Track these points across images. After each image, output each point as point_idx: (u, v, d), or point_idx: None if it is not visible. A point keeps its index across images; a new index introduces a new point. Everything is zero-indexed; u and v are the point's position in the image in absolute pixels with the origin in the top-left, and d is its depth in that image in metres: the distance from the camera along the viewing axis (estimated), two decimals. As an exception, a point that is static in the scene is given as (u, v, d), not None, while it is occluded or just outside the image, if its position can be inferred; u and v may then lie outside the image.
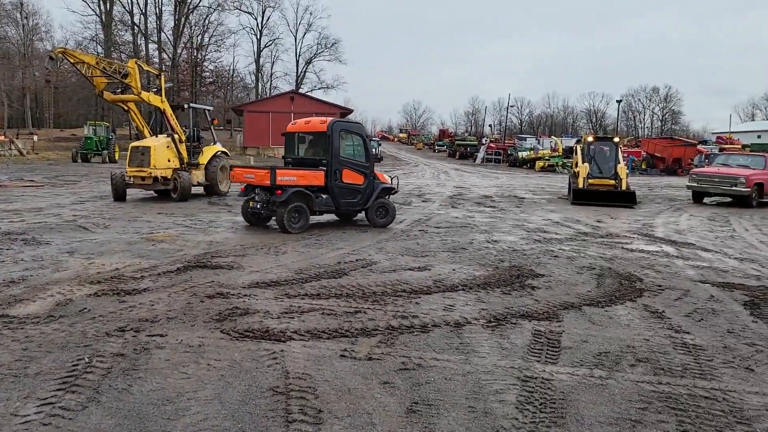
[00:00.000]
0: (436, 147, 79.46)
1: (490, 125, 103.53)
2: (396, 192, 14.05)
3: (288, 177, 12.05)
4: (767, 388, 4.57)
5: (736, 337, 5.90)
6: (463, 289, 7.54)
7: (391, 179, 14.08)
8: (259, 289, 7.19)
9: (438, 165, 51.12)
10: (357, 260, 9.20)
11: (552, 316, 6.43)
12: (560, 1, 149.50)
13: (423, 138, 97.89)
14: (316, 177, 12.40)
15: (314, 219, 13.00)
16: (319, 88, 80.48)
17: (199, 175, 19.02)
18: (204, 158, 19.27)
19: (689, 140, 59.75)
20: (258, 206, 12.44)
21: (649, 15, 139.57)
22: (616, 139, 23.40)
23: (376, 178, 13.29)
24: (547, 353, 5.25)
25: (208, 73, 78.56)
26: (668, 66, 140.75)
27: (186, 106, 20.10)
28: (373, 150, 56.43)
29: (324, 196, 12.58)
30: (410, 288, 7.48)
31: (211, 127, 20.95)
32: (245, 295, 6.86)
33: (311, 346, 5.23)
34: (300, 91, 72.51)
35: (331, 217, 14.09)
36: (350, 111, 69.29)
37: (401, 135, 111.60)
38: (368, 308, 6.47)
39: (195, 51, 73.84)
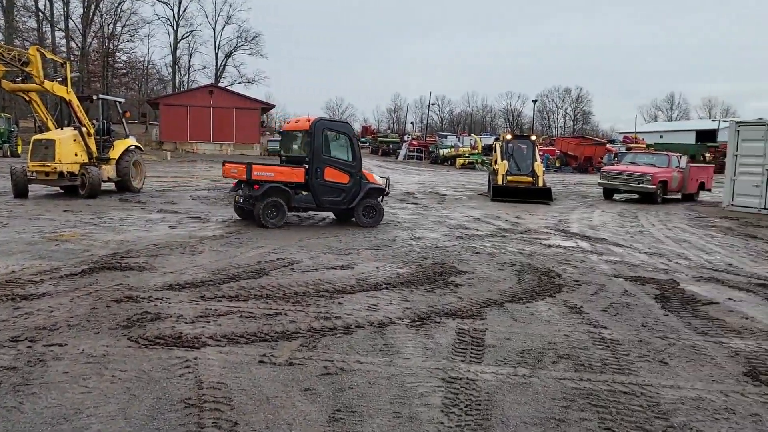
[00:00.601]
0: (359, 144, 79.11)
1: (411, 123, 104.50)
2: (388, 194, 13.92)
3: (265, 172, 12.45)
4: (681, 381, 4.69)
5: (650, 330, 6.08)
6: (387, 288, 7.42)
7: (385, 180, 14.06)
8: (173, 292, 6.79)
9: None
10: (278, 259, 8.92)
11: (475, 314, 6.41)
12: (478, 1, 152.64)
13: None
14: (295, 174, 12.57)
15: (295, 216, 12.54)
16: (240, 82, 78.56)
17: (109, 171, 18.01)
18: (115, 153, 18.26)
19: (599, 139, 62.52)
20: (241, 200, 12.76)
21: (560, 17, 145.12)
22: (534, 138, 24.05)
23: (364, 178, 13.17)
24: (471, 352, 5.20)
25: (121, 64, 75.00)
26: (579, 68, 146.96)
27: (95, 97, 19.00)
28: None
29: (304, 193, 12.73)
30: (333, 287, 7.29)
31: (124, 120, 19.92)
32: (157, 299, 6.45)
33: (228, 353, 4.94)
34: (220, 84, 70.52)
35: (329, 215, 14.15)
36: (272, 106, 68.08)
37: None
38: (289, 310, 6.23)
39: (106, 40, 70.32)
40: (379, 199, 13.50)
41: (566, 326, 6.11)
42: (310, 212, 13.92)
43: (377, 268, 8.65)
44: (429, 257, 9.66)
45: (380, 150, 65.07)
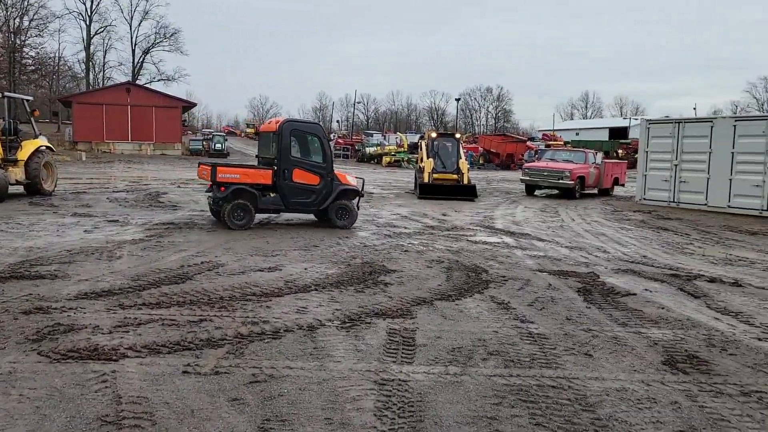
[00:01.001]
0: (285, 142, 78.16)
1: (338, 121, 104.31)
2: (362, 195, 13.49)
3: (230, 174, 12.40)
4: (605, 373, 4.83)
5: (574, 323, 6.24)
6: (316, 289, 7.29)
7: (362, 182, 13.77)
8: (88, 301, 6.41)
9: (287, 160, 50.33)
10: (202, 263, 8.60)
11: (406, 313, 6.39)
12: (395, 2, 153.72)
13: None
14: (262, 175, 12.47)
15: (263, 217, 11.98)
16: (159, 80, 75.91)
17: (18, 173, 16.88)
18: (23, 154, 17.15)
19: (520, 137, 64.45)
20: (211, 202, 12.82)
21: (484, 17, 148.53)
22: (458, 135, 24.44)
23: (336, 179, 12.85)
24: (402, 353, 5.16)
25: (29, 60, 70.76)
26: (499, 67, 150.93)
27: (0, 95, 17.80)
28: (220, 145, 53.48)
29: (272, 195, 12.57)
30: (260, 291, 7.09)
31: (32, 120, 18.74)
32: (70, 309, 6.06)
33: (149, 364, 4.69)
34: (138, 82, 67.82)
35: (309, 217, 13.81)
36: (193, 104, 66.12)
37: (249, 130, 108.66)
38: (215, 316, 6.00)
39: (12, 35, 66.17)
40: (355, 200, 13.22)
41: (495, 322, 6.18)
42: (282, 214, 13.83)
43: (306, 269, 8.50)
44: (358, 257, 9.59)
45: (306, 149, 64.38)
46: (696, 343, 5.69)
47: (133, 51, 78.17)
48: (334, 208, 12.82)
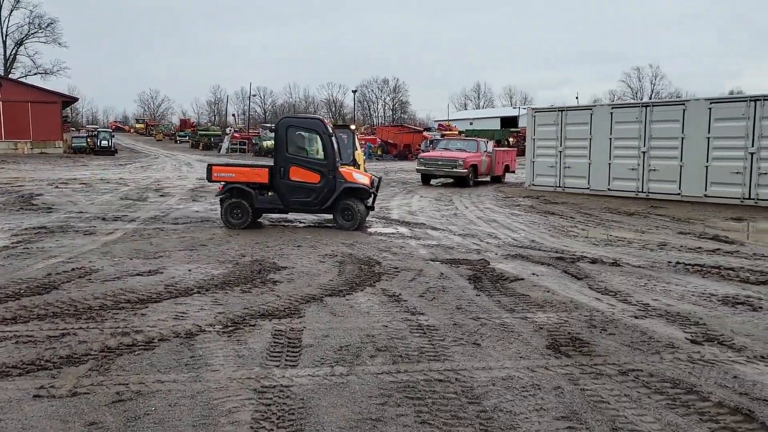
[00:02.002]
0: (178, 138, 75.45)
1: (233, 115, 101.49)
2: (373, 193, 12.41)
3: (226, 173, 12.28)
4: (492, 362, 4.80)
5: (464, 312, 6.22)
6: (199, 292, 6.86)
7: (377, 179, 12.94)
8: (-70, 321, 5.65)
9: (181, 156, 48.31)
10: (73, 269, 7.90)
11: (294, 312, 6.12)
12: None
13: (163, 128, 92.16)
14: (258, 174, 12.17)
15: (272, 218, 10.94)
16: (36, 74, 70.39)
17: None
18: None
19: (416, 127, 65.41)
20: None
21: (376, 10, 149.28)
22: (353, 127, 24.20)
23: (341, 177, 11.90)
24: (287, 355, 4.90)
25: None
26: (396, 59, 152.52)
27: None
28: (107, 142, 50.24)
29: (269, 194, 12.17)
30: (136, 297, 6.57)
31: None
32: None
33: (-5, 389, 4.14)
34: (11, 76, 62.53)
35: (328, 217, 12.91)
36: (74, 99, 62.08)
37: (138, 125, 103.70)
38: (80, 328, 5.45)
39: None
40: (367, 199, 12.29)
41: (385, 316, 6.05)
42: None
43: (189, 270, 8.01)
44: (248, 255, 9.19)
45: (201, 144, 62.32)
46: (578, 325, 5.82)
47: (4, 43, 71.99)
48: (339, 208, 11.98)
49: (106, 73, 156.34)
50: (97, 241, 10.19)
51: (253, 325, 5.66)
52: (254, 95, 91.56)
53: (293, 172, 11.98)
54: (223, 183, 12.23)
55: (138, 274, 7.72)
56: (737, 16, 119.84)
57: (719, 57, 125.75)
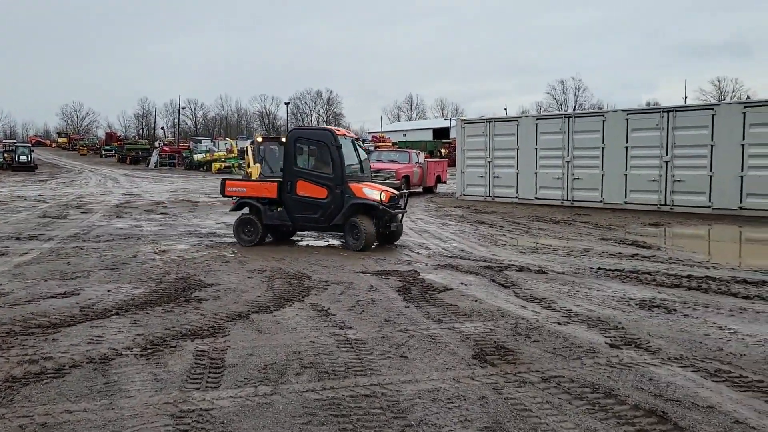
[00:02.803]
0: (104, 152, 72.85)
1: (162, 128, 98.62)
2: (388, 209, 11.08)
3: (238, 188, 12.09)
4: (419, 375, 4.78)
5: (392, 325, 6.20)
6: (118, 314, 6.56)
7: (402, 194, 12.01)
8: None
9: (106, 171, 46.62)
10: (-20, 294, 7.41)
11: (218, 331, 5.94)
12: (221, 3, 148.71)
13: (87, 142, 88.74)
14: (267, 189, 11.73)
15: None
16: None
17: None
18: None
19: (351, 139, 65.38)
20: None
21: (309, 22, 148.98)
22: (283, 139, 24.04)
23: (349, 191, 11.02)
24: (209, 377, 4.73)
25: None
26: (329, 71, 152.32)
27: None
28: (26, 157, 47.98)
29: (279, 210, 11.64)
30: (48, 321, 6.22)
31: None
32: None
33: None
34: None
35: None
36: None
37: (61, 140, 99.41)
38: (-17, 357, 5.10)
39: None
40: (389, 216, 11.20)
41: (313, 331, 5.95)
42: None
43: (109, 291, 7.67)
44: (173, 272, 8.89)
45: (128, 158, 60.37)
46: (504, 333, 5.90)
47: None
48: (348, 226, 11.08)
49: (25, 86, 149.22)
50: (8, 263, 9.63)
51: (174, 347, 5.45)
52: (184, 108, 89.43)
53: (300, 186, 11.37)
54: (235, 198, 12.03)
55: (52, 297, 7.33)
56: (651, 31, 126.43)
57: (636, 70, 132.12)
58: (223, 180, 12.44)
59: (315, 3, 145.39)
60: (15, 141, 79.66)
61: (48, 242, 11.88)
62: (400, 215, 11.70)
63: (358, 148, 12.26)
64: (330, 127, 12.50)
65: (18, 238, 12.30)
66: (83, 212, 18.02)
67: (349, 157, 11.57)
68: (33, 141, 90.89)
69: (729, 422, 3.92)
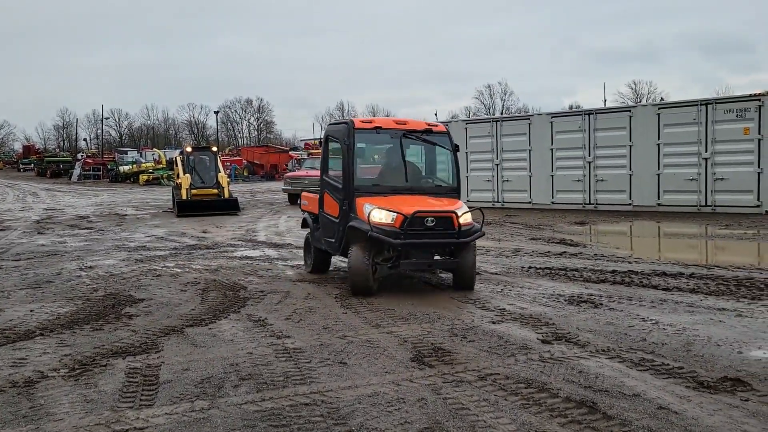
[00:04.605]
0: (21, 166, 69.44)
1: (85, 139, 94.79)
2: (412, 239, 7.53)
3: (303, 200, 10.20)
4: (358, 380, 4.80)
5: (330, 332, 6.20)
6: (42, 334, 6.27)
7: (480, 219, 8.43)
8: None
9: (25, 186, 44.36)
10: None
11: (150, 347, 5.77)
12: (131, 13, 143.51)
13: (3, 156, 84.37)
14: (311, 201, 9.67)
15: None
16: None
17: None
18: None
19: (283, 147, 65.00)
20: None
21: (231, 34, 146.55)
22: (214, 149, 23.79)
23: (353, 210, 8.01)
24: (142, 395, 4.59)
25: None
26: (258, 80, 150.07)
27: None
28: None
29: (319, 230, 9.20)
30: (-34, 346, 5.88)
31: None
32: None
33: None
34: None
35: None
36: None
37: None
38: None
39: None
40: (412, 248, 7.70)
41: (250, 342, 5.88)
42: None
43: (32, 311, 7.32)
44: (101, 288, 8.58)
45: (48, 171, 57.71)
46: (441, 334, 6.00)
47: None
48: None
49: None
50: None
51: (105, 365, 5.26)
52: (107, 118, 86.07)
53: (326, 200, 8.90)
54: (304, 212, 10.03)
55: (-31, 320, 6.93)
56: (568, 38, 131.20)
57: (556, 75, 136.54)
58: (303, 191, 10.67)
59: (231, 15, 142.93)
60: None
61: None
62: (461, 247, 7.75)
63: (436, 143, 8.68)
64: (354, 118, 9.06)
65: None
66: (0, 229, 17.11)
67: (408, 160, 8.65)
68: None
69: (653, 408, 4.14)
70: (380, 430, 3.89)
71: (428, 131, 8.58)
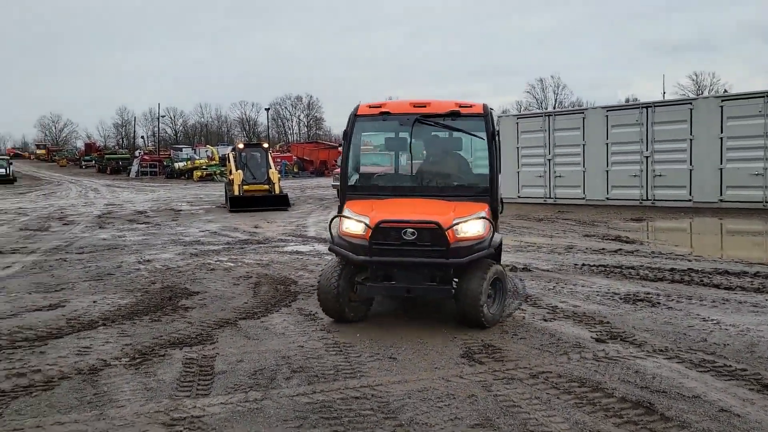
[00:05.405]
0: (83, 162, 72.29)
1: (142, 137, 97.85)
2: (380, 256, 6.07)
3: None
4: (408, 375, 4.81)
5: (380, 326, 6.21)
6: (105, 324, 6.52)
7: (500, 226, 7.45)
8: None
9: (87, 182, 46.17)
10: (-38, 309, 7.33)
11: (206, 339, 5.93)
12: (185, 13, 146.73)
13: (67, 153, 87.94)
14: None
15: None
16: None
17: None
18: None
19: (332, 143, 65.50)
20: None
21: (278, 31, 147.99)
22: (265, 145, 24.19)
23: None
24: (198, 384, 4.72)
25: None
26: (308, 76, 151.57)
27: None
28: (4, 170, 47.43)
29: None
30: (35, 334, 6.16)
31: None
32: None
33: None
34: None
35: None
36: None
37: (39, 151, 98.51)
38: (-31, 373, 5.05)
39: None
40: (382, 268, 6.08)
41: (300, 336, 5.96)
42: None
43: (95, 302, 7.61)
44: (158, 281, 8.85)
45: (108, 168, 59.91)
46: (491, 331, 5.94)
47: None
48: None
49: (3, 98, 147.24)
50: (-9, 277, 9.52)
51: (163, 355, 5.44)
52: (163, 116, 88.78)
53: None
54: None
55: (37, 310, 7.26)
56: (621, 29, 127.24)
57: (611, 68, 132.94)
58: None
59: (278, 11, 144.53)
60: (-8, 154, 78.80)
61: (30, 255, 11.75)
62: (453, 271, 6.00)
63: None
64: (362, 103, 7.05)
65: (-1, 252, 12.16)
66: (65, 224, 17.84)
67: (427, 152, 7.30)
68: (11, 153, 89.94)
69: (714, 411, 4.00)
70: (430, 425, 3.89)
71: (455, 114, 6.71)
